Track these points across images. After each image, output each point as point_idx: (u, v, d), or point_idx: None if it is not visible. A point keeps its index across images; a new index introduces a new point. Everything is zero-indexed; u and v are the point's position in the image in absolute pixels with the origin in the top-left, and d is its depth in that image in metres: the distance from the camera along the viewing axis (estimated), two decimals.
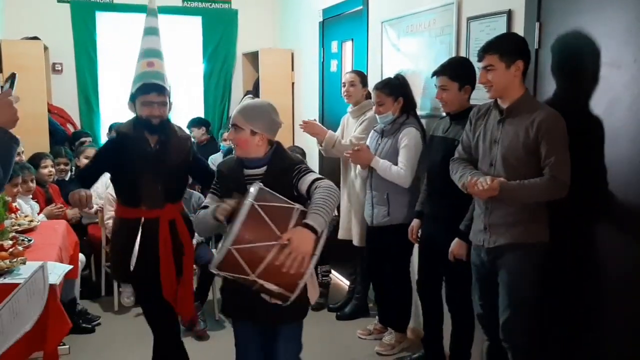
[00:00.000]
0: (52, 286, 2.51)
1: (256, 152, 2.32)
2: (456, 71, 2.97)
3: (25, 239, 3.13)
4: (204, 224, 2.29)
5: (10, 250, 2.80)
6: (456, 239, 2.89)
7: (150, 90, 2.71)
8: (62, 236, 3.44)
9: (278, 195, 2.14)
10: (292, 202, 2.13)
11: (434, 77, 3.05)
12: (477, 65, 2.72)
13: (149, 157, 2.74)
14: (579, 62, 2.53)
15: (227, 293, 2.45)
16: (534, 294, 2.49)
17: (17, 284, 2.51)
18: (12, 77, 1.80)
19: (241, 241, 1.99)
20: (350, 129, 4.08)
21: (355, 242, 3.96)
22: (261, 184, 2.16)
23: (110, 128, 5.68)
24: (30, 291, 1.24)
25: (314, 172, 2.29)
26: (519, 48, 2.48)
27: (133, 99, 2.76)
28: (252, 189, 2.10)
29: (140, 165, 2.73)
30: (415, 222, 3.31)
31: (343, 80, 4.08)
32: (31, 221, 3.48)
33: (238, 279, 2.10)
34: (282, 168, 2.31)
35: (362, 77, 4.03)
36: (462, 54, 3.24)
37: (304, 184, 2.23)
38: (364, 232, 3.84)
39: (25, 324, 1.15)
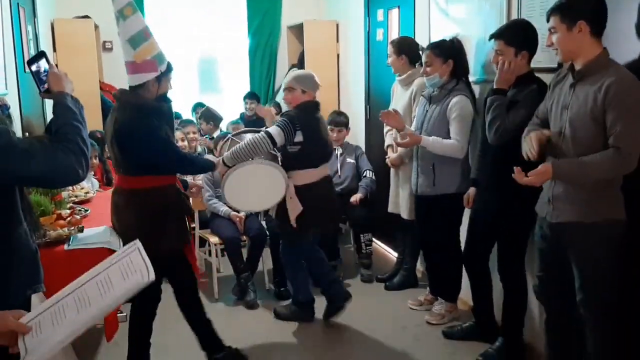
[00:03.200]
0: (109, 252, 2.61)
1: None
2: (513, 36, 2.83)
3: (82, 209, 3.25)
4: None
5: (68, 219, 2.92)
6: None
7: (171, 70, 2.88)
8: None
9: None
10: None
11: (491, 41, 2.92)
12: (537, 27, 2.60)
13: (172, 124, 2.93)
14: None
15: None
16: (611, 273, 2.31)
17: (75, 250, 2.64)
18: (43, 55, 1.84)
19: None
20: (398, 97, 4.02)
21: (404, 216, 3.92)
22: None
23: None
24: (125, 267, 1.25)
25: (276, 126, 3.31)
26: (581, 8, 2.28)
27: (161, 77, 2.79)
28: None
29: (171, 133, 2.89)
30: (471, 191, 3.25)
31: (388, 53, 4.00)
32: (87, 193, 3.59)
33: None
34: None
35: (398, 47, 3.90)
36: (514, 16, 3.13)
37: None
38: (412, 206, 3.81)
39: (115, 297, 1.17)
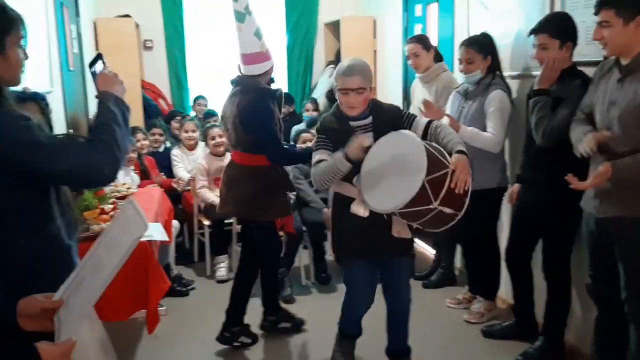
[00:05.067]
0: (150, 243, 2.66)
1: (364, 106, 2.59)
2: (557, 28, 2.77)
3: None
4: (328, 174, 2.52)
5: (111, 213, 2.99)
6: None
7: None
8: (157, 202, 3.60)
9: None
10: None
11: (532, 36, 2.86)
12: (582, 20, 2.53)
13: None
14: None
15: (343, 237, 2.72)
16: None
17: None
18: (100, 57, 1.88)
19: (428, 173, 2.27)
20: (420, 96, 3.94)
21: None
22: (407, 131, 2.52)
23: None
24: (123, 224, 1.30)
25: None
26: (625, 3, 2.21)
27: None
28: (413, 134, 2.47)
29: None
30: (515, 187, 3.20)
31: (406, 53, 3.94)
32: (129, 188, 3.67)
33: (413, 213, 2.34)
34: (388, 114, 2.62)
35: (424, 42, 3.89)
36: (557, 9, 3.06)
37: (420, 125, 2.58)
38: None
39: (121, 255, 1.22)
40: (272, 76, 3.18)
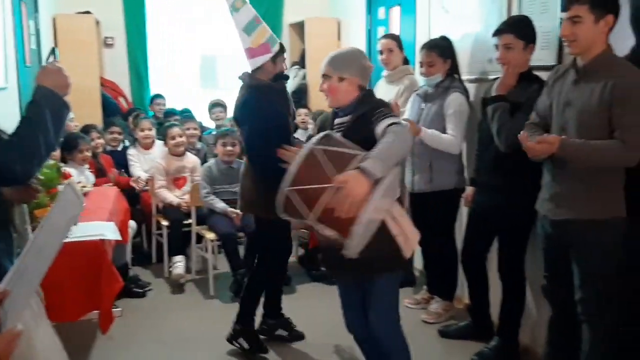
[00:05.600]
0: (103, 242, 2.60)
1: (345, 99, 2.30)
2: (522, 29, 2.81)
3: None
4: None
5: None
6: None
7: (284, 50, 3.15)
8: (112, 201, 3.54)
9: (348, 142, 2.12)
10: (361, 150, 2.05)
11: (495, 37, 2.88)
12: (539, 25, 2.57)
13: (289, 103, 3.16)
14: None
15: (323, 249, 2.48)
16: (611, 272, 2.31)
17: (70, 242, 2.63)
18: (52, 51, 1.85)
19: (296, 183, 2.00)
20: (383, 94, 3.96)
21: None
22: (333, 132, 2.23)
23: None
24: (62, 207, 1.29)
25: (394, 116, 2.16)
26: (612, 1, 2.23)
27: (275, 57, 3.06)
28: (317, 135, 2.15)
29: (287, 113, 3.10)
30: (470, 189, 3.24)
31: (379, 48, 3.94)
32: (84, 187, 3.59)
33: (302, 224, 2.19)
34: (364, 113, 2.22)
35: (399, 41, 3.92)
36: (514, 13, 3.12)
37: (380, 128, 2.10)
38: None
39: (61, 235, 1.22)
40: (279, 71, 3.09)
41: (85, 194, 3.56)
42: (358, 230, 1.94)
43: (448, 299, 3.66)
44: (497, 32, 2.87)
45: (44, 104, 1.64)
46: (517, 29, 2.82)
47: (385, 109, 2.21)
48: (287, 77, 3.22)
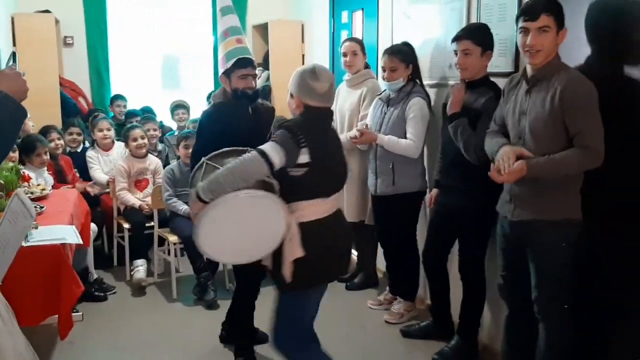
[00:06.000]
0: (63, 247, 2.56)
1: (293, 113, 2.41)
2: (480, 36, 2.89)
3: (38, 206, 3.18)
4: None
5: None
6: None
7: (246, 64, 2.98)
8: (73, 204, 3.48)
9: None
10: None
11: (454, 43, 2.95)
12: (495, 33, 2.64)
13: (250, 125, 2.93)
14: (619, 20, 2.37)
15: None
16: (566, 272, 2.38)
17: (30, 247, 2.59)
18: (12, 55, 1.82)
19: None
20: (345, 98, 4.01)
21: (353, 219, 3.89)
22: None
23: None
24: (11, 218, 1.27)
25: (271, 142, 2.24)
26: (563, 14, 2.31)
27: (229, 73, 2.97)
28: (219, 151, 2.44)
29: (241, 134, 2.70)
30: (434, 192, 3.30)
31: (343, 50, 3.97)
32: (43, 189, 3.53)
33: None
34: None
35: (362, 45, 3.97)
36: (473, 21, 3.20)
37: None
38: (362, 206, 3.87)
39: (15, 248, 1.20)
40: (238, 88, 2.96)
41: (45, 197, 3.50)
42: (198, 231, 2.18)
43: (410, 299, 3.72)
44: (456, 38, 2.94)
45: (0, 109, 1.61)
46: (475, 35, 2.89)
47: (280, 131, 2.27)
48: (248, 96, 2.99)
